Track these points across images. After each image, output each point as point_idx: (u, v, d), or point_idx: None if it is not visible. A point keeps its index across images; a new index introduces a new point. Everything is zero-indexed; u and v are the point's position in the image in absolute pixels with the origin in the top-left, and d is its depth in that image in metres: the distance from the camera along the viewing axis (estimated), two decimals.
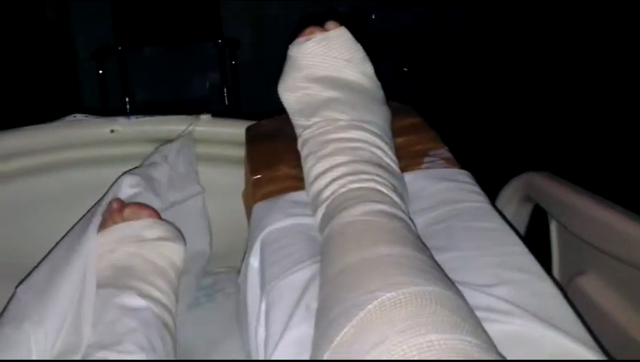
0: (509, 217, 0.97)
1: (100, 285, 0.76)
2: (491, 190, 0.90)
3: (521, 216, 1.05)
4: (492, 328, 0.53)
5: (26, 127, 0.94)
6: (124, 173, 0.91)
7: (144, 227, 0.82)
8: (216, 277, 0.98)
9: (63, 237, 0.83)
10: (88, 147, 0.97)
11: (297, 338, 0.58)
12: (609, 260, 0.84)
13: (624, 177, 1.37)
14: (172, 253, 0.82)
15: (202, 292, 0.96)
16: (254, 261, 0.72)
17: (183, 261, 0.85)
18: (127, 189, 0.89)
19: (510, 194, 1.04)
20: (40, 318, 0.69)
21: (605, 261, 0.86)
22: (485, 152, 1.39)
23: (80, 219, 0.85)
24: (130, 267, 0.78)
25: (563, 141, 1.52)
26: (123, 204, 0.84)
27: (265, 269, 0.68)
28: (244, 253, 0.78)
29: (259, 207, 0.79)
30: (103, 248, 0.79)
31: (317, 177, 0.70)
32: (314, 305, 0.59)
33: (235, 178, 0.99)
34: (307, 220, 0.73)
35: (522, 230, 1.06)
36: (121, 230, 0.81)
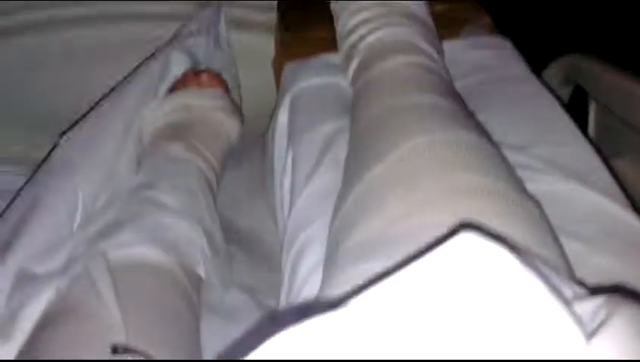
0: None
1: (155, 137, 0.78)
2: (533, 70, 0.86)
3: (561, 99, 1.01)
4: (526, 186, 0.52)
5: None
6: (169, 47, 0.89)
7: (212, 96, 0.83)
8: (242, 144, 0.97)
9: (108, 93, 0.83)
10: (117, 2, 0.94)
11: (323, 186, 0.57)
12: None
13: None
14: (231, 127, 0.84)
15: (229, 159, 0.96)
16: (283, 118, 0.71)
17: (239, 135, 0.86)
18: (176, 68, 0.88)
19: (551, 75, 1.00)
20: (86, 169, 0.70)
21: None
22: (529, 29, 1.32)
23: (126, 77, 0.85)
24: (189, 125, 0.79)
25: (613, 22, 1.44)
26: (198, 72, 0.85)
27: (293, 123, 0.67)
28: (271, 115, 0.77)
29: (289, 67, 0.76)
30: (170, 107, 0.80)
31: (351, 30, 0.67)
32: (342, 156, 0.58)
33: (265, 45, 0.96)
34: (339, 80, 0.71)
35: None
36: (190, 94, 0.82)
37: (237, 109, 0.87)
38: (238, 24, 1.01)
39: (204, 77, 0.84)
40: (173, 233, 0.63)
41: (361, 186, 0.47)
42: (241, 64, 1.00)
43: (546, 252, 0.41)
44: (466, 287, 0.25)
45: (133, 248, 0.60)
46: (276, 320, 0.59)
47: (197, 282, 0.63)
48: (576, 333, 0.25)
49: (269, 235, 0.78)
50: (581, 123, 0.95)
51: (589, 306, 0.28)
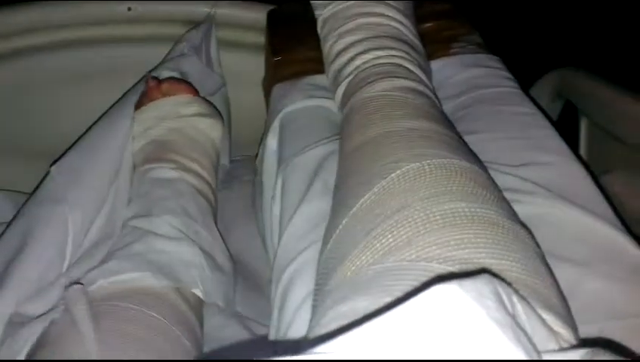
0: None
1: (137, 162, 0.75)
2: (522, 86, 0.86)
3: (551, 114, 1.01)
4: (516, 208, 0.51)
5: (38, 2, 0.91)
6: (159, 66, 0.88)
7: (182, 103, 0.79)
8: (233, 165, 0.97)
9: (98, 119, 0.81)
10: (104, 25, 0.93)
11: (313, 212, 0.56)
12: (638, 158, 0.81)
13: None
14: (211, 129, 0.80)
15: (219, 180, 0.95)
16: (272, 141, 0.70)
17: (222, 138, 0.83)
18: None
19: (542, 90, 1.00)
20: (76, 200, 0.67)
21: (634, 159, 0.83)
22: (519, 45, 1.33)
23: (115, 103, 0.83)
24: (168, 141, 0.76)
25: (602, 36, 1.44)
26: (160, 81, 0.82)
27: (282, 148, 0.66)
28: (262, 137, 0.76)
29: (278, 88, 0.76)
30: (142, 125, 0.77)
31: (338, 54, 0.67)
32: (331, 181, 0.58)
33: (255, 65, 0.95)
34: (327, 103, 0.70)
35: None
36: (159, 106, 0.78)
37: (212, 110, 0.83)
38: (229, 45, 1.01)
39: (167, 84, 0.80)
40: (165, 256, 0.61)
41: (350, 216, 0.46)
42: (231, 85, 1.00)
43: (539, 282, 0.40)
44: (435, 345, 0.25)
45: (121, 275, 0.59)
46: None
47: (197, 304, 0.62)
48: None
49: (258, 261, 0.77)
50: (572, 138, 0.96)
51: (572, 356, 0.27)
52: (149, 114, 0.78)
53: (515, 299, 0.32)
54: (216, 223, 0.74)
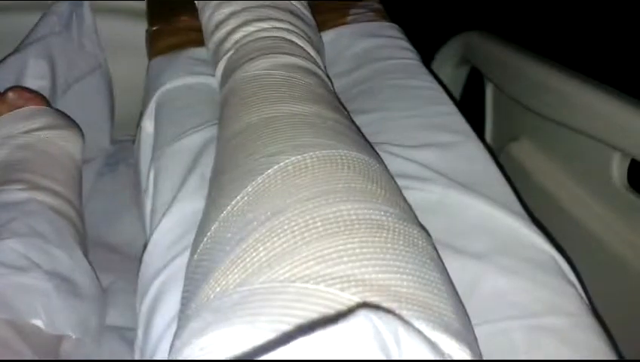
0: (445, 81, 0.89)
1: None
2: (426, 51, 0.81)
3: (458, 80, 0.98)
4: (412, 196, 0.47)
5: None
6: (25, 46, 0.77)
7: (31, 115, 0.69)
8: (119, 146, 0.88)
9: None
10: None
11: (187, 212, 0.49)
12: (543, 124, 0.78)
13: (568, 37, 1.30)
14: (65, 140, 0.70)
15: (105, 162, 0.86)
16: (148, 124, 0.62)
17: (82, 149, 0.73)
18: (33, 81, 0.76)
19: (446, 56, 0.96)
20: None
21: (539, 125, 0.80)
22: (420, 9, 1.28)
23: None
24: (16, 161, 0.66)
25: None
26: (3, 92, 0.70)
27: (158, 133, 0.59)
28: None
29: (156, 63, 0.68)
30: None
31: (218, 25, 0.59)
32: (210, 173, 0.51)
33: (137, 32, 0.86)
34: (211, 80, 0.63)
35: (458, 94, 0.99)
36: (3, 121, 0.68)
37: (66, 120, 0.73)
38: (107, 11, 0.91)
39: (12, 95, 0.70)
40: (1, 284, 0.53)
41: (220, 221, 0.40)
42: (113, 55, 0.90)
43: (432, 295, 0.35)
44: None
45: None
46: None
47: (38, 336, 0.54)
48: None
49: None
50: (478, 105, 0.93)
51: None
52: None
53: (401, 333, 0.27)
54: (84, 241, 0.65)
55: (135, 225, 0.76)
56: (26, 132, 0.67)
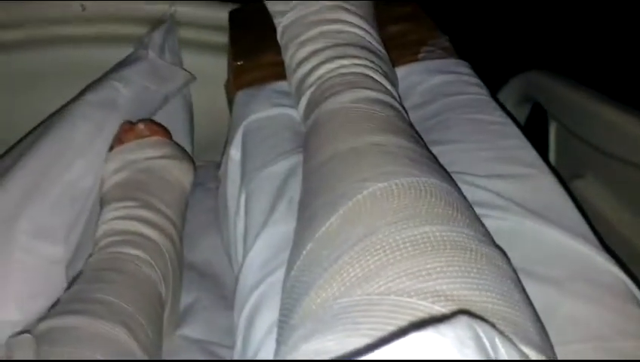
0: None
1: (104, 202, 0.74)
2: (490, 89, 0.84)
3: (520, 117, 1.00)
4: (488, 223, 0.49)
5: None
6: (122, 68, 0.84)
7: (155, 145, 0.78)
8: (196, 171, 0.93)
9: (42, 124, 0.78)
10: (58, 25, 0.89)
11: (278, 234, 0.53)
12: (608, 162, 0.80)
13: (630, 77, 1.31)
14: (180, 172, 0.79)
15: None
16: (235, 152, 0.67)
17: (192, 181, 0.82)
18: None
19: (510, 93, 0.98)
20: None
21: (604, 163, 0.82)
22: (486, 48, 1.31)
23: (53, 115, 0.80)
24: (137, 181, 0.75)
25: (570, 38, 1.44)
26: (133, 123, 0.80)
27: (246, 160, 0.63)
28: (225, 145, 0.73)
29: (241, 95, 0.73)
30: (112, 166, 0.76)
31: (300, 63, 0.63)
32: (297, 198, 0.55)
33: (217, 66, 0.92)
34: (292, 111, 0.67)
35: None
36: (130, 149, 0.77)
37: (185, 154, 0.82)
38: (189, 44, 0.97)
39: (140, 127, 0.79)
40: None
41: (315, 241, 0.43)
42: (193, 86, 0.97)
43: (515, 312, 0.38)
44: None
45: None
46: None
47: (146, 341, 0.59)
48: None
49: (225, 273, 0.74)
50: (541, 142, 0.95)
51: None
52: (120, 156, 0.77)
53: (497, 341, 0.30)
54: (181, 260, 0.73)
55: (211, 246, 0.81)
56: (147, 158, 0.75)
